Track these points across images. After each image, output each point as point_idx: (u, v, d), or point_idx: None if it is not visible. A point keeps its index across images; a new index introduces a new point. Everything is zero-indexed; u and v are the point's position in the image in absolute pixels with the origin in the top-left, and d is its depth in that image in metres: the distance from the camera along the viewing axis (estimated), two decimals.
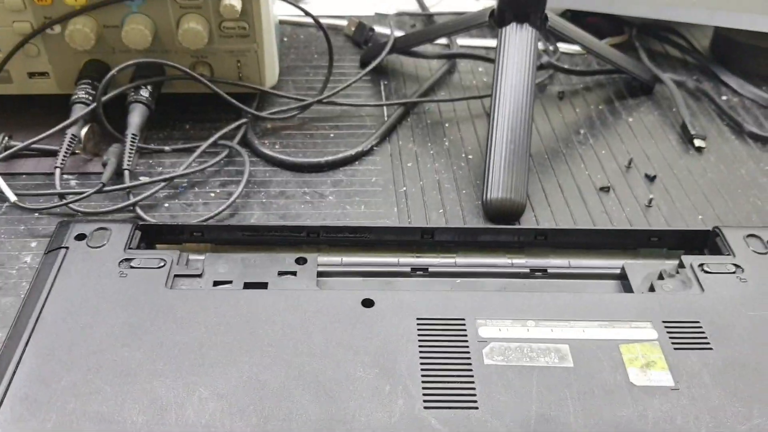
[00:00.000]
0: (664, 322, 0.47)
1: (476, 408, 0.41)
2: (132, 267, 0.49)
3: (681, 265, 0.52)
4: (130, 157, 0.63)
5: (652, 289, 0.50)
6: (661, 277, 0.51)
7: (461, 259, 0.55)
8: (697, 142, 0.73)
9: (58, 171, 0.62)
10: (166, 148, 0.68)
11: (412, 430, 0.40)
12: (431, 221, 0.62)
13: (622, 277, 0.53)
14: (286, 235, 0.55)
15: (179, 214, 0.62)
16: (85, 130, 0.65)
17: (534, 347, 0.45)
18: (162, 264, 0.49)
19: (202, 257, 0.52)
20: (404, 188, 0.66)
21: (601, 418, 0.41)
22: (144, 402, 0.40)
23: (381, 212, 0.63)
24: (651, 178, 0.68)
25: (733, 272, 0.51)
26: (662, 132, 0.75)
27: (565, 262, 0.55)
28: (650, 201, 0.65)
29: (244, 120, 0.71)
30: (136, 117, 0.65)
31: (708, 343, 0.45)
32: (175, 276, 0.49)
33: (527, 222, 0.63)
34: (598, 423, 0.40)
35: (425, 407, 0.41)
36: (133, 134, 0.64)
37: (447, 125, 0.75)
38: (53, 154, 0.64)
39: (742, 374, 0.43)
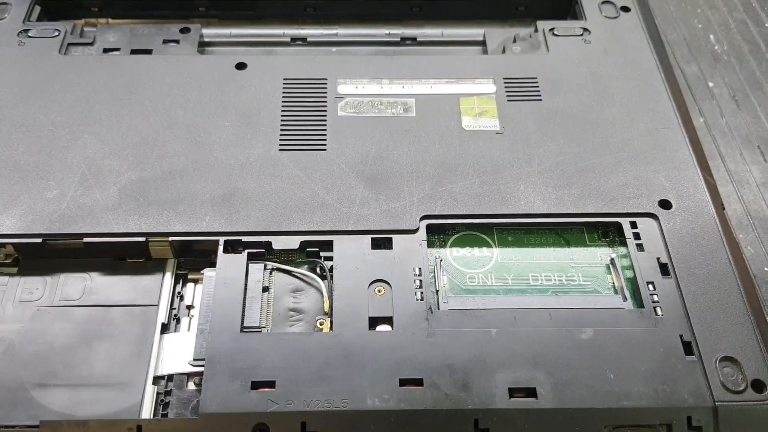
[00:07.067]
0: (504, 78, 0.52)
1: (324, 150, 0.48)
2: (30, 36, 0.54)
3: (536, 30, 0.56)
4: None
5: (504, 51, 0.55)
6: (514, 40, 0.56)
7: (342, 30, 0.59)
8: None
9: None
10: None
11: (266, 167, 0.47)
12: None
13: (483, 43, 0.58)
14: (176, 10, 0.59)
15: None
16: None
17: (384, 101, 0.51)
18: (57, 33, 0.54)
19: (94, 29, 0.56)
20: None
21: (429, 155, 0.47)
22: (36, 146, 0.47)
23: None
24: None
25: (580, 35, 0.55)
26: None
27: (438, 32, 0.60)
28: None
29: None
30: None
31: (539, 96, 0.51)
32: (69, 44, 0.54)
33: None
34: (425, 159, 0.47)
35: (280, 150, 0.48)
36: None
37: None
38: None
39: (562, 121, 0.50)
